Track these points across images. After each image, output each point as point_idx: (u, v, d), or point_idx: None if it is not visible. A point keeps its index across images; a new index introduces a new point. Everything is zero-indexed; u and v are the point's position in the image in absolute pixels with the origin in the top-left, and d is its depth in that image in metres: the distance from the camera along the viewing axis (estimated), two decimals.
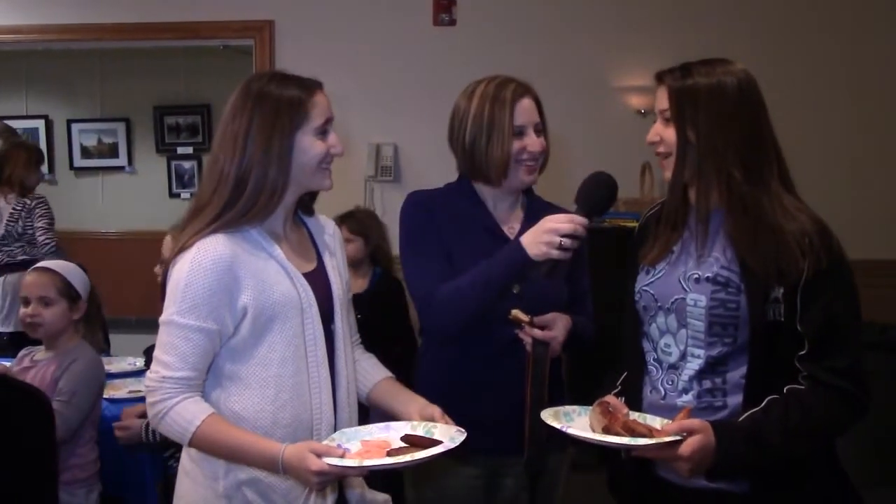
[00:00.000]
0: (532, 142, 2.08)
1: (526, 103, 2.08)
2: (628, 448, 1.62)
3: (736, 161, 1.68)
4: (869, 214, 4.69)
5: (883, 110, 4.86)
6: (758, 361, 1.67)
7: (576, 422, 1.72)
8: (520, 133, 2.07)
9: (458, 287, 1.99)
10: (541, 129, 2.12)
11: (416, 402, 1.83)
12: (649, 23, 4.84)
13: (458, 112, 2.12)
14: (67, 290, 2.72)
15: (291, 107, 1.74)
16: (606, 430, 1.60)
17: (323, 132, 1.78)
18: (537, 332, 1.97)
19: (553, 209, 2.18)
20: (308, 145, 1.75)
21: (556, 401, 2.06)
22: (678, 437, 1.56)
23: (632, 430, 1.59)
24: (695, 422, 1.59)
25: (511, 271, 1.94)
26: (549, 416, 1.70)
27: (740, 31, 4.70)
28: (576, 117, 4.73)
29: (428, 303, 2.03)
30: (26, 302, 2.71)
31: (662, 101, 1.75)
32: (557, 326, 2.00)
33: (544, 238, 1.86)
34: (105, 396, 2.87)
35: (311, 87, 1.78)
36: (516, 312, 1.95)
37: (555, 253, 1.85)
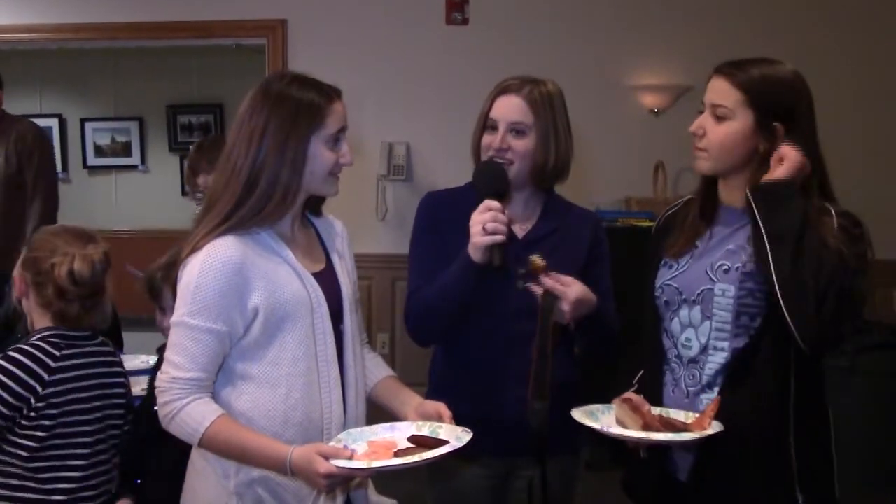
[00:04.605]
0: (493, 138, 2.04)
1: (505, 99, 2.05)
2: (667, 444, 1.63)
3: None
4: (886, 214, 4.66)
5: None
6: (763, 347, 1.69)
7: (601, 420, 1.73)
8: (493, 127, 2.05)
9: (426, 299, 2.03)
10: (521, 131, 2.04)
11: (414, 401, 1.85)
12: (662, 22, 4.80)
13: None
14: None
15: (310, 111, 1.73)
16: (646, 428, 1.60)
17: (335, 141, 1.78)
18: (548, 282, 1.92)
19: (574, 209, 2.17)
20: (319, 153, 1.75)
21: (570, 387, 2.05)
22: (720, 430, 1.57)
23: (671, 426, 1.59)
24: None
25: (462, 275, 1.95)
26: (583, 417, 1.71)
27: (751, 31, 4.66)
28: (589, 116, 4.66)
29: (406, 311, 2.09)
30: None
31: (721, 96, 1.73)
32: (574, 287, 1.93)
33: (471, 232, 1.90)
34: None
35: (331, 94, 1.78)
36: (535, 257, 1.92)
37: (486, 240, 1.87)
